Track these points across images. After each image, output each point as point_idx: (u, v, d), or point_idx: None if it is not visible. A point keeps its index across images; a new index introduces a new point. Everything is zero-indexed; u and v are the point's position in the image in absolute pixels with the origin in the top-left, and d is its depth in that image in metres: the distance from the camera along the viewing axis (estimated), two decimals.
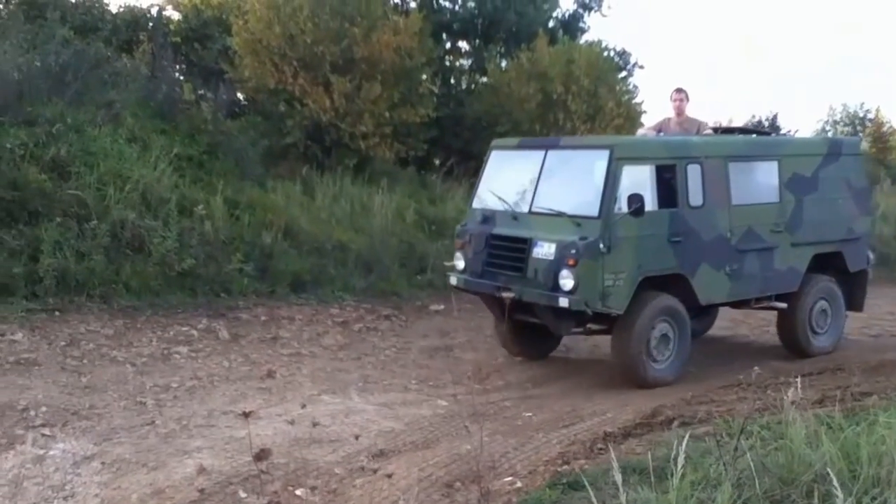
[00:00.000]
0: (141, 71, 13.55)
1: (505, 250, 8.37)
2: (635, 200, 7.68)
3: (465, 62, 18.46)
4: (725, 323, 11.41)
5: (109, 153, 10.96)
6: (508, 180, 8.74)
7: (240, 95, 15.23)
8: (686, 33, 56.98)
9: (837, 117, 29.86)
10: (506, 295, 7.68)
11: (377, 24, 14.64)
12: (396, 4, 17.37)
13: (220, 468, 5.82)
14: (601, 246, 7.70)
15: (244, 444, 6.12)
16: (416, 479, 5.57)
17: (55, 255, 9.26)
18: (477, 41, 18.15)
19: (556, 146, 8.72)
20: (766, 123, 22.37)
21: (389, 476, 5.60)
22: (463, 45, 18.51)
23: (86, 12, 15.15)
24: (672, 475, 4.03)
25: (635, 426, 6.76)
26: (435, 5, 18.05)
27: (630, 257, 7.92)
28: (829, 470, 3.99)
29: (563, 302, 7.78)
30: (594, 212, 7.84)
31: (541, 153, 8.54)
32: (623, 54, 19.46)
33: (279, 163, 14.05)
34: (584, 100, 16.03)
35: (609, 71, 17.26)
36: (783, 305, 9.34)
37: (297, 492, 5.49)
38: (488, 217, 8.74)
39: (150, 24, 15.87)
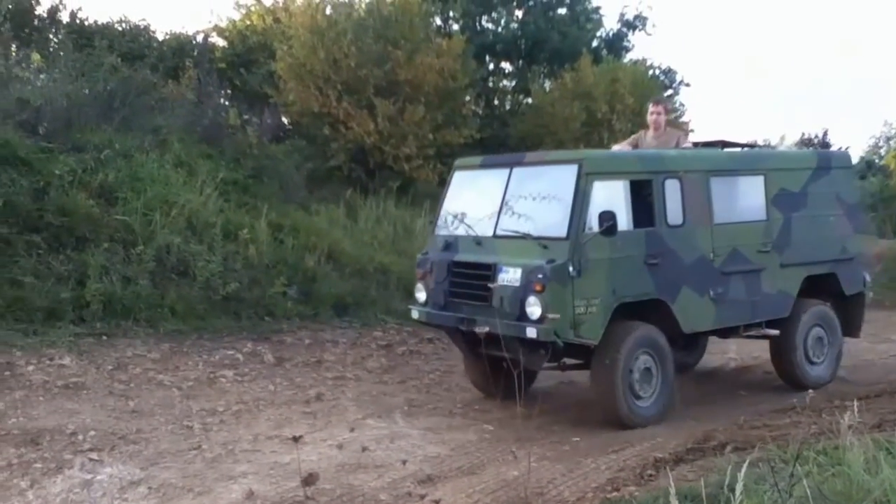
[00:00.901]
0: (187, 97, 13.77)
1: (468, 278, 7.70)
2: (606, 218, 7.03)
3: (509, 83, 18.54)
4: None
5: (156, 178, 11.12)
6: (472, 203, 8.13)
7: (284, 119, 15.44)
8: (736, 49, 56.57)
9: (892, 133, 29.40)
10: (479, 330, 6.76)
11: (420, 46, 14.83)
12: (439, 27, 17.54)
13: (265, 494, 5.81)
14: (570, 269, 7.05)
15: (289, 470, 6.12)
16: None
17: (102, 280, 9.40)
18: (520, 62, 18.25)
19: (520, 163, 8.01)
20: (817, 140, 22.15)
21: (437, 502, 5.56)
22: (506, 66, 18.62)
23: (133, 40, 15.61)
24: (727, 502, 3.92)
25: (687, 451, 6.61)
26: (478, 27, 18.22)
27: (603, 281, 7.25)
28: (889, 497, 3.88)
29: (531, 332, 7.08)
30: (562, 232, 7.19)
31: (505, 171, 7.90)
32: (669, 72, 19.47)
33: (323, 186, 14.19)
34: (629, 118, 15.99)
35: (654, 89, 17.20)
36: (775, 333, 8.64)
37: None
38: (450, 243, 8.09)
39: (196, 50, 16.22)
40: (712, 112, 48.08)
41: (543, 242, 7.25)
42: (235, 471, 6.29)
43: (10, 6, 12.79)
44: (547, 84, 17.54)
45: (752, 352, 10.46)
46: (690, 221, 7.82)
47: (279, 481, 6.06)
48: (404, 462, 6.20)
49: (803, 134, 25.10)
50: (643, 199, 7.61)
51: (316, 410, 7.85)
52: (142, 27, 16.25)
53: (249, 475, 6.20)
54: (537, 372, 8.33)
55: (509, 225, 7.62)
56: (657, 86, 17.67)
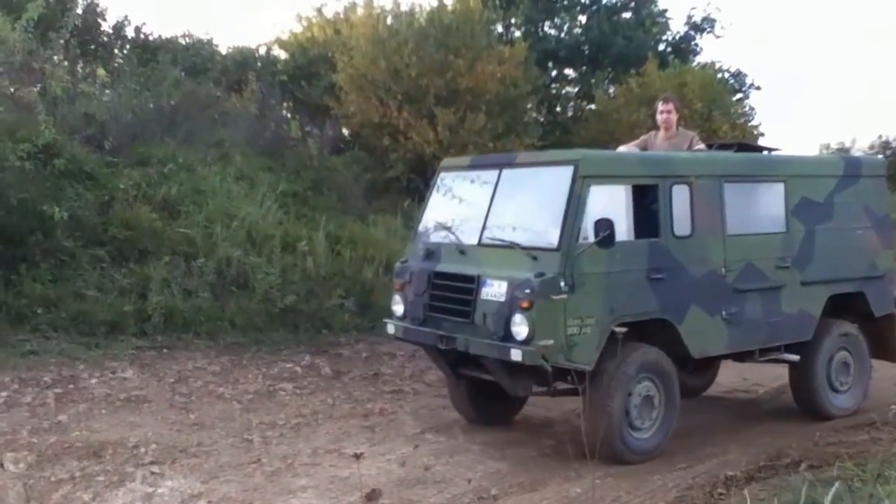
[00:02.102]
0: (249, 110, 13.97)
1: (449, 291, 6.99)
2: (603, 227, 6.31)
3: (572, 89, 18.42)
4: None
5: (218, 191, 11.31)
6: (458, 207, 7.51)
7: (344, 131, 15.56)
8: (809, 49, 55.41)
9: None
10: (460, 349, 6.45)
11: (482, 54, 14.82)
12: (501, 34, 17.52)
13: None
14: (562, 284, 6.31)
15: (349, 484, 6.13)
16: None
17: (163, 293, 9.62)
18: (583, 68, 18.12)
19: (512, 164, 7.31)
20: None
21: None
22: (569, 72, 18.51)
23: (196, 54, 15.91)
24: None
25: (758, 469, 6.43)
26: (540, 33, 18.13)
27: (599, 298, 6.50)
28: None
29: (516, 355, 6.33)
30: (553, 242, 6.47)
31: (494, 173, 7.23)
32: (738, 75, 19.18)
33: (381, 197, 14.27)
34: (697, 124, 15.75)
35: (723, 93, 16.98)
36: (795, 358, 7.80)
37: None
38: (432, 251, 7.40)
39: (259, 63, 16.50)
40: (784, 116, 46.98)
41: (533, 253, 6.53)
42: (295, 485, 6.30)
43: (77, 23, 13.11)
44: (611, 90, 17.35)
45: None
46: (700, 232, 7.11)
47: (338, 496, 6.06)
48: (469, 481, 6.14)
49: (880, 136, 24.38)
50: (647, 206, 6.93)
51: (374, 424, 7.83)
52: (205, 41, 16.58)
53: (309, 489, 6.20)
54: (526, 397, 7.62)
55: (496, 233, 6.94)
56: (726, 90, 17.34)
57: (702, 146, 7.99)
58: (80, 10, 13.92)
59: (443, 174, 7.88)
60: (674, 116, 8.14)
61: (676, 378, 7.04)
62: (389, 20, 15.50)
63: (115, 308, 9.35)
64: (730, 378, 9.32)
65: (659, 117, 8.19)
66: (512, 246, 6.68)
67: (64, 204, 9.69)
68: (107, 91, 13.20)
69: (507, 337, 6.44)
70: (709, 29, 19.63)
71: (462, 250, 7.11)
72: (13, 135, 10.21)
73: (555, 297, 6.27)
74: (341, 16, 17.07)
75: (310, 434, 7.50)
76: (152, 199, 10.66)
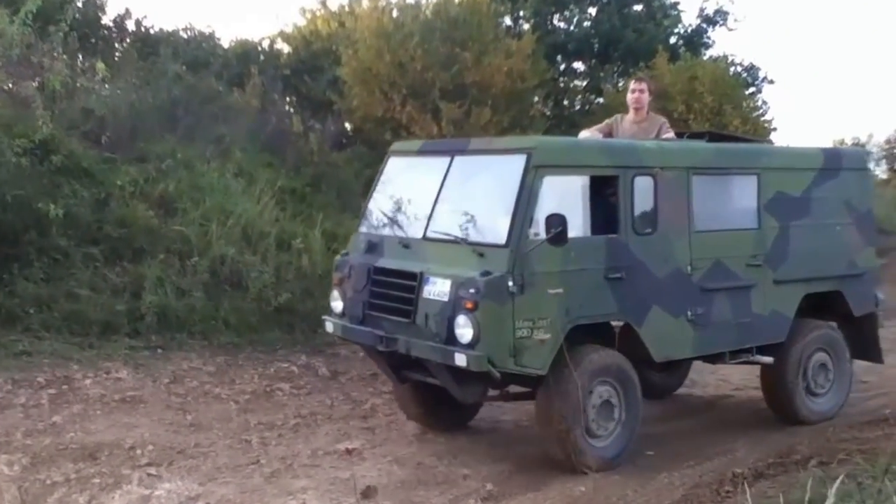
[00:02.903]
0: (251, 104, 13.92)
1: (390, 288, 6.65)
2: (555, 223, 5.94)
3: (580, 83, 18.35)
4: None
5: (216, 188, 11.29)
6: (406, 196, 7.13)
7: (347, 126, 15.50)
8: (826, 42, 55.22)
9: None
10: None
11: (489, 47, 14.71)
12: (509, 27, 17.44)
13: None
14: (510, 284, 5.98)
15: (350, 486, 6.13)
16: None
17: (157, 293, 9.59)
18: (593, 61, 18.04)
19: (464, 151, 6.89)
20: None
21: None
22: (578, 65, 18.44)
23: (197, 47, 15.82)
24: None
25: (767, 466, 6.44)
26: (549, 26, 18.04)
27: (553, 299, 6.20)
28: None
29: (460, 359, 6.01)
30: (501, 238, 6.14)
31: (445, 160, 6.83)
32: (751, 69, 19.04)
33: None
34: (708, 118, 15.66)
35: (735, 87, 16.85)
36: (769, 360, 7.57)
37: None
38: (375, 245, 7.06)
39: (261, 57, 16.43)
40: (798, 110, 46.77)
41: (480, 249, 6.20)
42: (294, 486, 6.31)
43: (76, 16, 13.13)
44: (620, 83, 17.28)
45: None
46: (665, 228, 6.78)
47: (338, 497, 6.08)
48: (465, 477, 6.13)
49: (895, 132, 24.24)
50: (607, 199, 6.60)
51: (374, 426, 7.82)
52: (207, 34, 16.45)
53: (309, 491, 6.22)
54: (480, 402, 7.39)
55: (443, 225, 6.55)
56: (738, 84, 17.25)
57: (671, 134, 7.66)
58: (79, 3, 13.92)
59: (392, 160, 7.53)
60: (646, 97, 7.77)
61: (637, 382, 6.74)
62: (395, 13, 15.41)
63: (109, 307, 9.32)
64: (739, 375, 9.27)
65: (630, 97, 7.83)
66: (458, 241, 6.36)
67: (60, 201, 9.65)
68: (106, 86, 13.09)
69: (451, 339, 6.11)
70: (721, 22, 19.51)
71: (406, 244, 6.78)
72: (10, 130, 10.17)
73: (501, 298, 5.99)
74: (346, 8, 16.98)
75: (309, 435, 7.51)
76: (149, 196, 10.62)
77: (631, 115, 7.80)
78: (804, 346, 7.71)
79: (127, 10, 15.28)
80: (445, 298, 6.19)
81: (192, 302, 9.76)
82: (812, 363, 7.80)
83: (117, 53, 14.75)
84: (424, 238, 6.65)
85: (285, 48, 17.14)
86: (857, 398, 8.65)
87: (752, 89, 18.45)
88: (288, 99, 15.73)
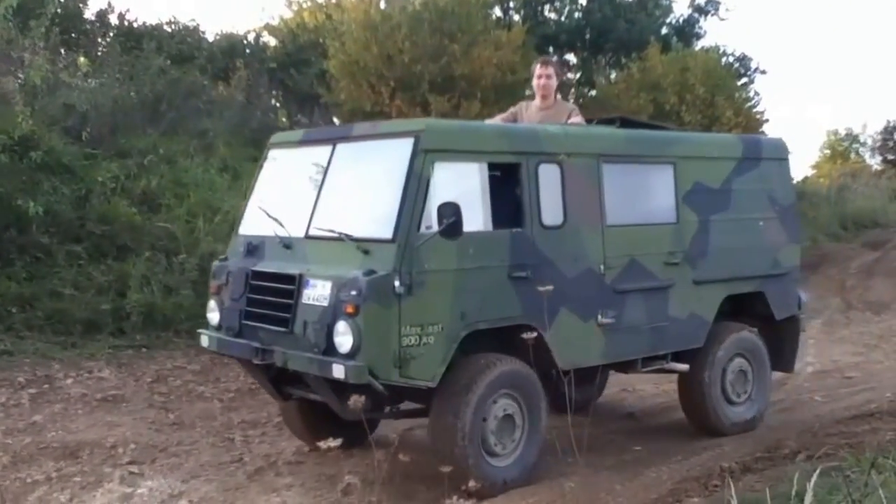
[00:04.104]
0: (236, 98, 13.91)
1: (268, 294, 5.96)
2: (448, 212, 5.32)
3: (572, 75, 18.37)
4: (859, 349, 10.83)
5: (200, 183, 11.27)
6: (288, 191, 6.48)
7: (335, 120, 15.49)
8: (819, 31, 55.30)
9: None
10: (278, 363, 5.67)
11: (478, 39, 14.74)
12: (499, 18, 17.44)
13: None
14: (396, 284, 5.34)
15: (334, 482, 6.10)
16: None
17: (142, 291, 9.56)
18: (584, 53, 18.06)
19: (347, 137, 6.25)
20: None
21: None
22: (570, 57, 18.44)
23: (182, 41, 15.74)
24: None
25: (755, 460, 6.39)
26: (540, 17, 18.06)
27: (446, 301, 5.56)
28: None
29: (338, 371, 5.32)
30: (387, 232, 5.47)
31: (328, 149, 6.21)
32: (743, 59, 19.16)
33: None
34: (699, 109, 15.74)
35: (727, 78, 16.95)
36: (684, 367, 6.95)
37: None
38: (255, 246, 6.33)
39: (247, 50, 16.42)
40: (791, 100, 46.91)
41: (365, 246, 5.55)
42: (278, 484, 6.25)
43: (57, 10, 13.12)
44: (613, 75, 17.34)
45: (831, 355, 10.17)
46: (574, 222, 6.16)
47: (322, 494, 6.03)
48: (450, 474, 6.12)
49: (888, 122, 24.43)
50: (508, 189, 5.98)
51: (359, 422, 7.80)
52: (192, 28, 16.43)
53: (294, 488, 6.16)
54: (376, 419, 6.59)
55: (326, 222, 5.86)
56: (730, 74, 17.34)
57: (579, 119, 6.98)
58: None
59: (272, 152, 6.83)
60: (553, 82, 7.06)
61: (544, 394, 6.10)
62: (382, 4, 15.48)
63: (93, 306, 9.30)
64: None
65: (536, 83, 7.09)
66: (342, 237, 5.65)
67: (39, 198, 9.65)
68: (88, 80, 13.08)
69: (331, 349, 5.45)
70: (713, 11, 19.63)
71: (287, 244, 6.06)
72: None
73: (386, 301, 5.33)
74: (333, 0, 17.02)
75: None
76: (131, 192, 10.60)
77: (537, 102, 7.11)
78: (723, 352, 7.11)
79: (109, 4, 15.40)
80: (325, 303, 5.54)
81: (178, 300, 9.75)
82: (731, 370, 7.20)
83: (100, 48, 14.76)
84: (306, 236, 5.99)
85: (271, 41, 17.19)
86: (844, 393, 8.67)
87: (744, 80, 18.51)
88: (274, 92, 15.72)
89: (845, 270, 17.94)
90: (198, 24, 16.54)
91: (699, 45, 18.95)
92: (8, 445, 6.69)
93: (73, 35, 14.67)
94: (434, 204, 5.47)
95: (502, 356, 5.89)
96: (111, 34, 15.18)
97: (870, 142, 37.17)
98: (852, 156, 37.03)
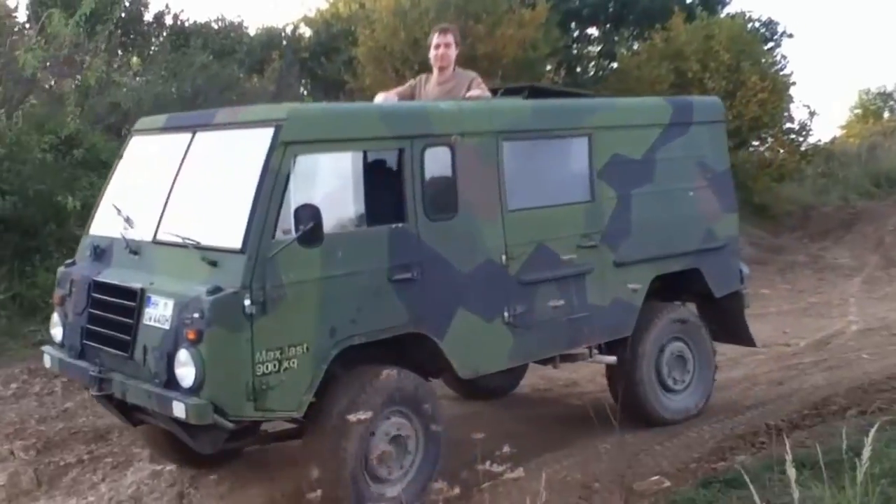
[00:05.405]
0: (267, 89, 13.65)
1: (109, 310, 4.90)
2: (304, 217, 4.35)
3: (594, 49, 17.65)
4: None
5: None
6: (143, 185, 5.31)
7: None
8: None
9: None
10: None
11: (502, 19, 14.28)
12: None
13: None
14: (246, 303, 4.31)
15: None
16: (548, 480, 4.81)
17: None
18: (607, 26, 17.34)
19: (208, 125, 5.12)
20: None
21: (517, 480, 4.84)
22: (592, 31, 17.73)
23: (225, 37, 15.75)
24: (852, 468, 3.43)
25: (802, 417, 6.03)
26: None
27: (311, 317, 4.56)
28: None
29: (178, 410, 4.34)
30: (236, 241, 4.43)
31: (187, 138, 5.10)
32: (769, 24, 18.32)
33: None
34: (724, 76, 15.00)
35: (753, 43, 16.26)
36: (611, 359, 6.09)
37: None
38: (103, 250, 5.23)
39: (284, 42, 16.29)
40: (819, 65, 44.95)
41: (213, 256, 4.49)
42: None
43: (122, 14, 12.90)
44: (635, 46, 16.61)
45: (876, 313, 9.41)
46: (468, 210, 5.18)
47: None
48: (483, 438, 5.53)
49: None
50: (388, 179, 4.99)
51: None
52: (236, 24, 16.39)
53: None
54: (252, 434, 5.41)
55: (175, 224, 4.79)
56: (756, 39, 16.56)
57: (479, 91, 5.84)
58: (126, 3, 14.04)
59: (133, 140, 5.70)
60: (453, 52, 5.97)
61: (439, 410, 5.17)
62: None
63: None
64: (767, 333, 8.78)
65: (433, 53, 6.03)
66: (189, 244, 4.60)
67: (78, 194, 9.47)
68: (137, 78, 13.03)
69: (173, 381, 4.45)
70: None
71: (135, 249, 4.96)
72: (41, 127, 10.09)
73: (235, 324, 4.32)
74: None
75: None
76: None
77: (435, 75, 6.06)
78: (656, 338, 6.20)
79: (167, 6, 15.53)
80: (167, 325, 4.51)
81: None
82: (667, 355, 6.31)
83: (153, 47, 14.78)
84: (154, 241, 4.91)
85: (307, 32, 16.98)
86: (893, 350, 8.18)
87: (770, 44, 17.67)
88: (303, 81, 15.36)
89: (882, 227, 17.18)
90: (242, 20, 16.61)
91: (725, 12, 18.12)
92: (42, 432, 6.62)
93: (131, 36, 14.71)
94: (295, 204, 4.48)
95: (390, 369, 4.85)
96: (164, 34, 15.19)
97: None
98: (885, 115, 35.07)
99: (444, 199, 5.08)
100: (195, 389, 4.33)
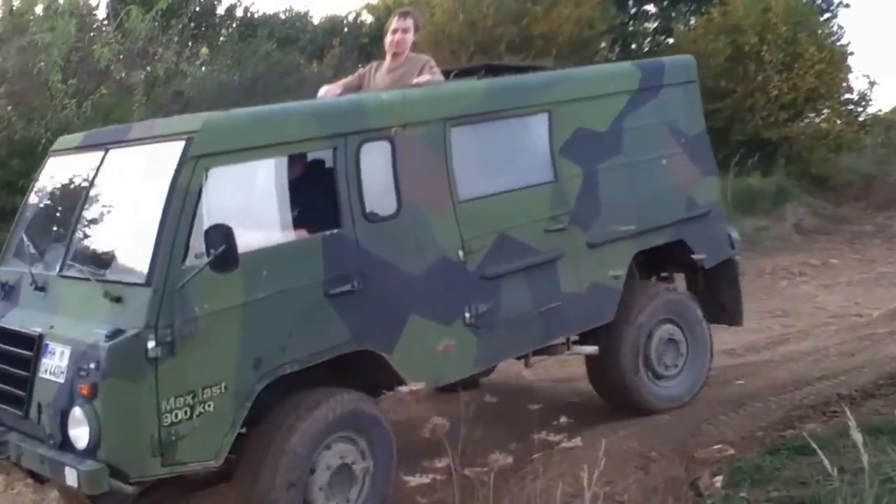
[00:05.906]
0: (325, 74, 13.43)
1: (5, 361, 4.22)
2: (216, 240, 3.70)
3: (650, 25, 17.15)
4: None
5: None
6: (56, 212, 4.81)
7: None
8: None
9: None
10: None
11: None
12: None
13: None
14: (150, 345, 3.65)
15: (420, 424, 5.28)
16: (605, 450, 4.43)
17: None
18: (664, 2, 16.83)
19: (121, 141, 4.42)
20: None
21: (572, 449, 4.49)
22: (649, 7, 17.27)
23: (291, 26, 15.77)
24: None
25: (877, 387, 5.55)
26: None
27: (230, 350, 3.90)
28: None
29: (70, 477, 3.66)
30: (140, 273, 3.82)
31: (99, 156, 4.46)
32: None
33: None
34: (781, 48, 14.47)
35: (809, 14, 15.75)
36: (592, 350, 5.47)
37: (466, 471, 4.47)
38: (12, 287, 4.52)
39: (345, 29, 16.30)
40: (879, 35, 42.45)
41: (115, 291, 3.85)
42: None
43: (196, 8, 12.89)
44: (692, 21, 16.08)
45: None
46: (413, 206, 4.55)
47: (410, 436, 5.24)
48: (536, 409, 5.19)
49: None
50: (320, 183, 4.45)
51: None
52: (302, 14, 16.48)
53: None
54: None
55: (82, 256, 4.21)
56: (812, 10, 15.92)
57: (429, 76, 5.18)
58: None
59: (50, 161, 5.00)
60: (410, 37, 5.33)
61: (390, 432, 4.46)
62: None
63: None
64: (838, 303, 8.47)
65: (388, 38, 5.38)
66: (92, 279, 3.98)
67: None
68: (202, 68, 13.05)
69: (67, 443, 3.79)
70: None
71: (42, 285, 4.28)
72: (108, 116, 10.01)
73: (135, 372, 3.66)
74: None
75: None
76: None
77: (387, 62, 5.40)
78: (643, 321, 5.51)
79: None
80: (61, 379, 3.82)
81: None
82: (655, 340, 5.60)
83: (222, 38, 14.89)
84: (60, 275, 4.25)
85: (369, 19, 16.94)
86: None
87: (826, 15, 16.95)
88: (360, 65, 15.11)
89: None
90: (308, 10, 16.56)
91: None
92: None
93: (202, 28, 14.80)
94: (209, 224, 3.80)
95: (333, 390, 4.27)
96: (234, 25, 15.29)
97: None
98: None
99: (384, 197, 4.49)
100: (90, 451, 3.68)
